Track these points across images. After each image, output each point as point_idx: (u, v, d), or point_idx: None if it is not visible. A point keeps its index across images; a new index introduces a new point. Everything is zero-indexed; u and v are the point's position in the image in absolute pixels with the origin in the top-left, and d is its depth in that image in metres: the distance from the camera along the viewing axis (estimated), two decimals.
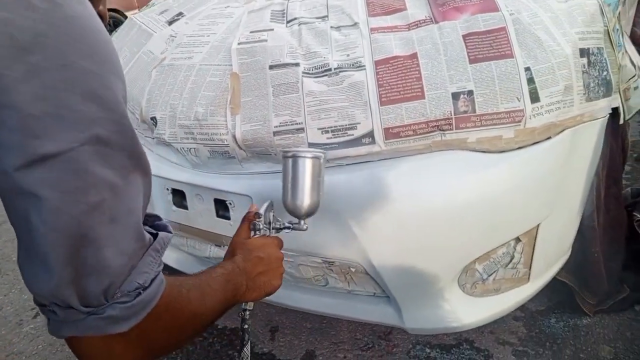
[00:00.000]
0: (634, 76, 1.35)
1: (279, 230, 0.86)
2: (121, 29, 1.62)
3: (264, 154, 1.09)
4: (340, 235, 1.04)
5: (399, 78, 1.03)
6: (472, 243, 1.05)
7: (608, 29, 1.18)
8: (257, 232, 0.81)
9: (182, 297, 0.54)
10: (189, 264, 1.39)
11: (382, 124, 1.01)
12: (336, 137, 1.04)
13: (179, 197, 1.25)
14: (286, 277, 1.20)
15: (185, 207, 1.24)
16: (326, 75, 1.06)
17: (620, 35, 1.32)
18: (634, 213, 1.62)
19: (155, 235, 0.51)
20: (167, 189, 1.25)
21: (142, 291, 0.46)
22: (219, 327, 1.59)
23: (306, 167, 0.83)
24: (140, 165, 0.47)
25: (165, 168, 1.24)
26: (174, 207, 1.27)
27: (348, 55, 1.08)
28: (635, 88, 1.36)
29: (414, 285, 1.08)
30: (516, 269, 1.13)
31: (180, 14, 1.46)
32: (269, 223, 0.85)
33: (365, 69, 1.05)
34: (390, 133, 1.02)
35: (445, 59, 1.03)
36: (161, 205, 1.30)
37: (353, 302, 1.19)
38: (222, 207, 1.18)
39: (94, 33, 0.42)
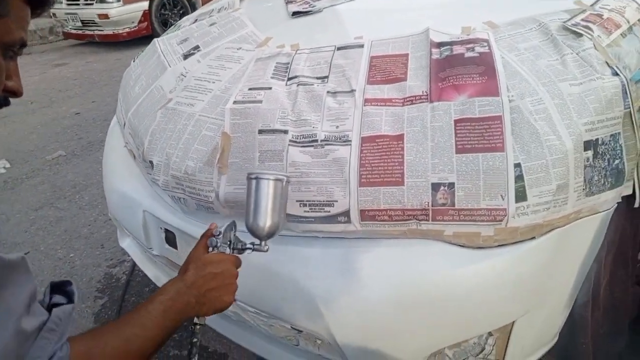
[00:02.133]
0: None
1: (240, 251, 0.90)
2: (145, 52, 1.67)
3: None
4: (307, 309, 1.04)
5: (381, 160, 1.01)
6: (440, 334, 1.03)
7: (631, 111, 1.10)
8: (215, 249, 0.85)
9: (96, 357, 0.61)
10: None
11: (359, 205, 1.00)
12: (313, 212, 1.04)
13: (171, 236, 1.30)
14: (262, 331, 1.23)
15: (176, 247, 1.29)
16: (312, 146, 1.06)
17: None
18: None
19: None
20: (161, 228, 1.30)
21: None
22: (209, 349, 1.65)
23: (269, 189, 0.88)
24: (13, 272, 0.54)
25: (160, 209, 1.28)
26: (167, 245, 1.32)
27: (337, 127, 1.07)
28: None
29: None
30: (487, 359, 1.10)
31: (197, 47, 1.48)
32: (230, 242, 0.89)
33: (350, 144, 1.03)
34: (366, 215, 1.00)
35: (432, 146, 0.99)
36: (156, 241, 1.35)
37: None
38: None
39: None
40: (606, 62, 1.10)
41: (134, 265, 2.08)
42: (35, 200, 2.72)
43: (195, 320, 0.81)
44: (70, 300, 0.65)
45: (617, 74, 1.09)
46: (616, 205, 1.12)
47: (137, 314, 0.69)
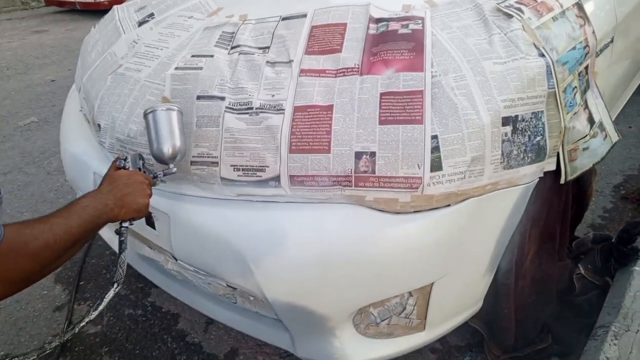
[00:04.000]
0: (584, 137, 1.32)
1: (153, 176, 1.05)
2: (104, 19, 1.69)
3: (183, 179, 1.16)
4: (239, 267, 1.11)
5: (311, 129, 1.06)
6: (362, 293, 1.10)
7: (556, 91, 1.16)
8: (125, 169, 1.02)
9: (26, 236, 0.71)
10: (133, 256, 1.51)
11: (289, 170, 1.06)
12: (246, 176, 1.09)
13: None
14: (204, 291, 1.29)
15: None
16: (247, 113, 1.10)
17: (579, 93, 1.29)
18: (579, 265, 1.62)
19: None
20: None
21: None
22: (162, 310, 1.72)
23: (165, 118, 1.03)
24: None
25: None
26: None
27: (273, 95, 1.12)
28: (585, 149, 1.34)
29: (305, 321, 1.14)
30: (409, 318, 1.18)
31: (152, 15, 1.51)
32: (140, 166, 1.04)
33: (284, 113, 1.08)
34: (295, 180, 1.06)
35: (358, 117, 1.05)
36: None
37: (258, 323, 1.28)
38: (150, 216, 1.26)
39: None
40: (533, 44, 1.16)
41: None
42: (4, 165, 2.74)
43: (124, 224, 0.97)
44: None
45: (542, 55, 1.14)
46: (538, 179, 1.19)
47: (60, 210, 0.81)
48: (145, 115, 1.04)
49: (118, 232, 0.98)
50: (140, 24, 1.49)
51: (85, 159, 1.41)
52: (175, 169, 1.05)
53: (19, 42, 5.41)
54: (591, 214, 2.08)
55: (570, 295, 1.57)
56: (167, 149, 1.02)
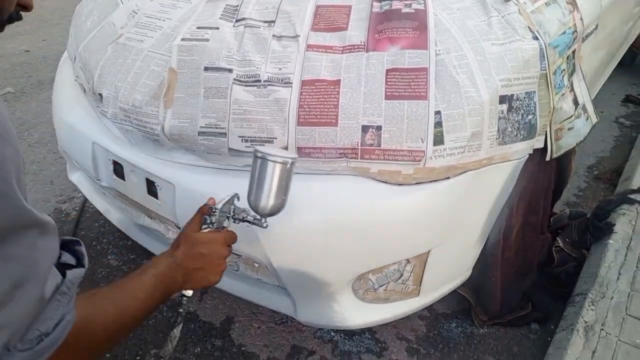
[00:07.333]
0: (570, 117, 1.40)
1: (240, 221, 0.93)
2: None
3: (189, 150, 1.18)
4: (246, 235, 1.13)
5: (319, 102, 1.09)
6: (363, 259, 1.16)
7: (547, 73, 1.22)
8: (209, 226, 0.87)
9: (96, 323, 0.60)
10: (130, 227, 1.53)
11: (297, 143, 1.09)
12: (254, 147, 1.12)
13: (119, 168, 1.35)
14: None
15: (123, 178, 1.35)
16: (255, 85, 1.13)
17: (567, 76, 1.36)
18: (557, 238, 1.72)
19: (65, 274, 0.53)
20: (109, 160, 1.36)
21: (44, 337, 0.50)
22: None
23: (274, 171, 0.88)
24: (34, 224, 0.47)
25: (108, 141, 1.33)
26: (114, 176, 1.37)
27: (280, 69, 1.14)
28: (570, 129, 1.42)
29: (308, 286, 1.20)
30: (405, 284, 1.25)
31: None
32: (230, 213, 0.92)
33: (291, 86, 1.11)
34: (302, 152, 1.10)
35: (364, 92, 1.09)
36: (104, 172, 1.41)
37: (260, 289, 1.32)
38: (152, 186, 1.28)
39: None
40: (528, 27, 1.22)
41: (85, 201, 2.12)
42: None
43: (183, 292, 0.83)
44: (78, 260, 0.59)
45: (536, 38, 1.20)
46: (528, 156, 1.26)
47: (130, 283, 0.71)
48: (255, 157, 0.90)
49: (180, 302, 0.85)
50: None
51: (83, 129, 1.41)
52: (267, 224, 0.92)
53: None
54: (566, 193, 2.18)
55: (549, 267, 1.67)
56: (263, 205, 0.90)
